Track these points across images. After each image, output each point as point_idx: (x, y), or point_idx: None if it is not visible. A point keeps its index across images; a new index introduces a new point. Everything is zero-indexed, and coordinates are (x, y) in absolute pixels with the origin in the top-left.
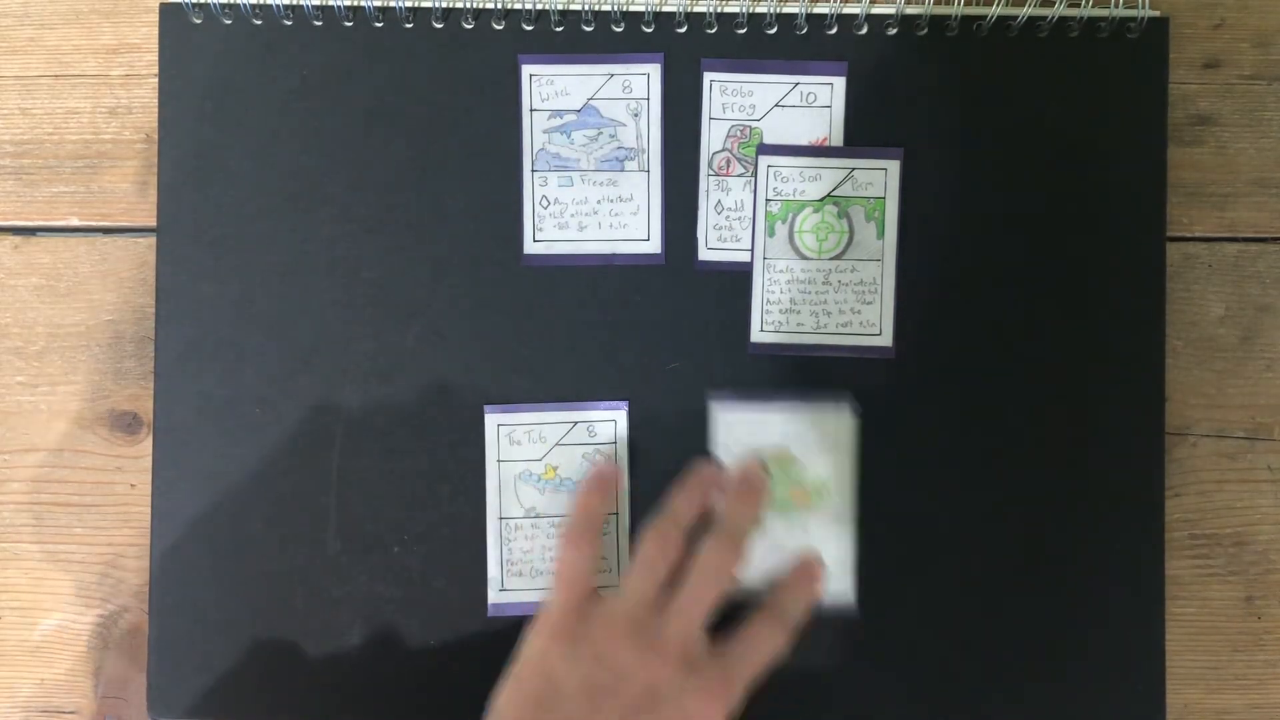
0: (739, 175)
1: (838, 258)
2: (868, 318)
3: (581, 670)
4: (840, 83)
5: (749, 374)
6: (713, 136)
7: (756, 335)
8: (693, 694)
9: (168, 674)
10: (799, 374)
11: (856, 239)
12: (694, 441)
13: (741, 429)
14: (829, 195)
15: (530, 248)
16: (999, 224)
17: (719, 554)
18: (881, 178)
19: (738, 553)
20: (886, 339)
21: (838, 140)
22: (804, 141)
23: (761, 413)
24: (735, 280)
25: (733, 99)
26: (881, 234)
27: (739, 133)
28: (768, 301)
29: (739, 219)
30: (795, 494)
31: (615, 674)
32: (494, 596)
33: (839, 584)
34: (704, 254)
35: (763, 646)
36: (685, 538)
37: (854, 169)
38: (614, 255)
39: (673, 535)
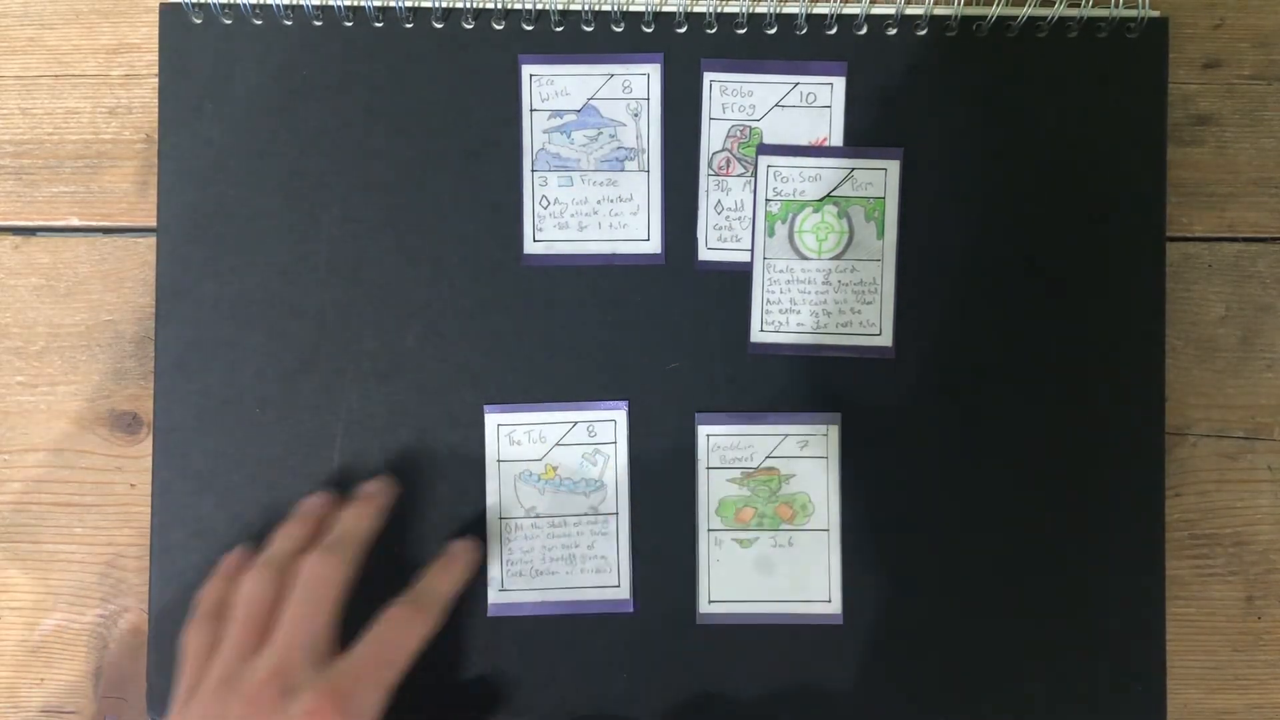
0: (739, 175)
1: (838, 258)
2: (868, 318)
3: None
4: (840, 83)
5: (749, 374)
6: (713, 136)
7: (756, 335)
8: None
9: (168, 674)
10: (798, 374)
11: (856, 239)
12: (693, 442)
13: (727, 444)
14: (829, 195)
15: (530, 248)
16: (998, 224)
17: (318, 566)
18: (881, 178)
19: (339, 563)
20: (886, 339)
21: (837, 140)
22: (804, 141)
23: (747, 428)
24: (735, 280)
25: (733, 99)
26: (881, 234)
27: (739, 133)
28: (768, 301)
29: (739, 219)
30: (780, 509)
31: None
32: (494, 596)
33: (826, 600)
34: (704, 254)
35: (397, 638)
36: (283, 575)
37: (854, 169)
38: (614, 255)
39: (269, 575)
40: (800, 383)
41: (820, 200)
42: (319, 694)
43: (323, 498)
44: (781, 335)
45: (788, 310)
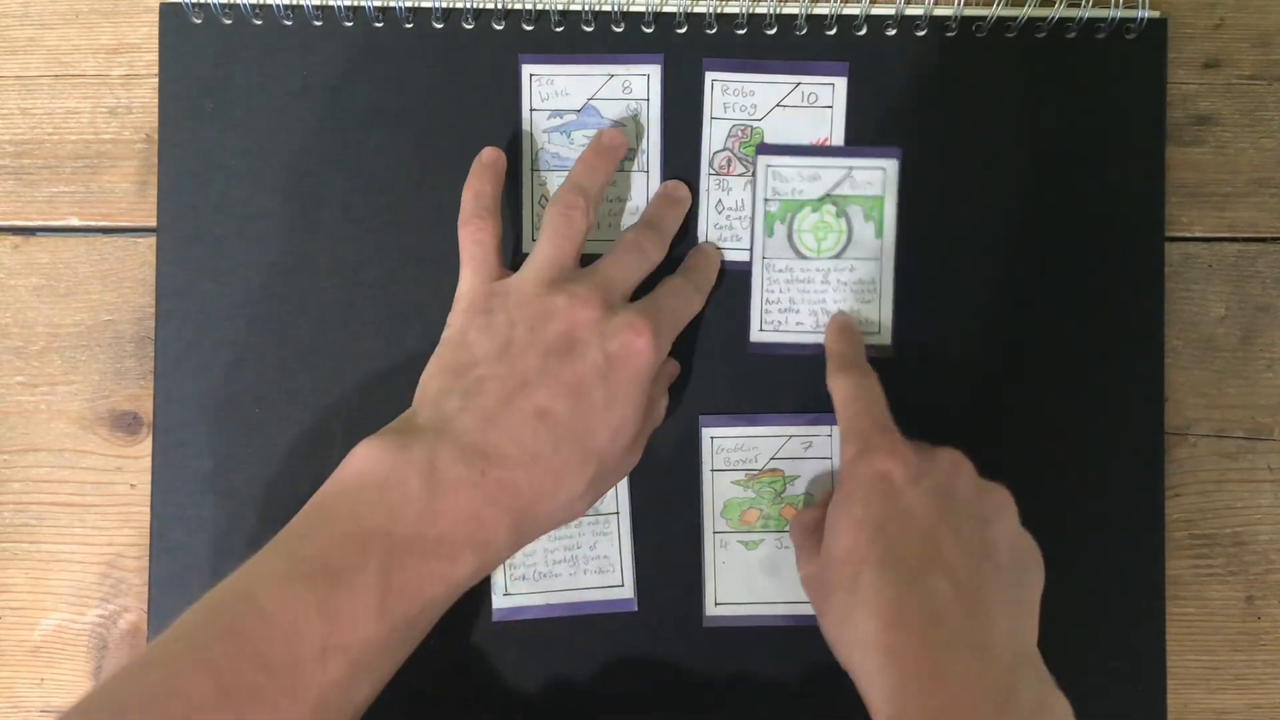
0: (740, 175)
1: (836, 257)
2: (867, 317)
3: (497, 335)
4: (842, 83)
5: (750, 374)
6: (714, 136)
7: (756, 335)
8: (615, 332)
9: None
10: (800, 374)
11: (855, 238)
12: (694, 442)
13: (731, 446)
14: (827, 195)
15: (529, 247)
16: (998, 224)
17: (642, 234)
18: (880, 177)
19: (661, 239)
20: (885, 338)
21: (839, 140)
22: (805, 141)
23: (750, 429)
24: (737, 280)
25: (734, 99)
26: (880, 233)
27: (740, 132)
28: (767, 301)
29: (739, 218)
30: (786, 511)
31: (529, 328)
32: (498, 601)
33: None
34: None
35: (681, 300)
36: (593, 207)
37: (852, 169)
38: None
39: (579, 203)
40: (802, 383)
41: (819, 200)
42: (638, 314)
43: (620, 136)
44: (781, 335)
45: (787, 310)
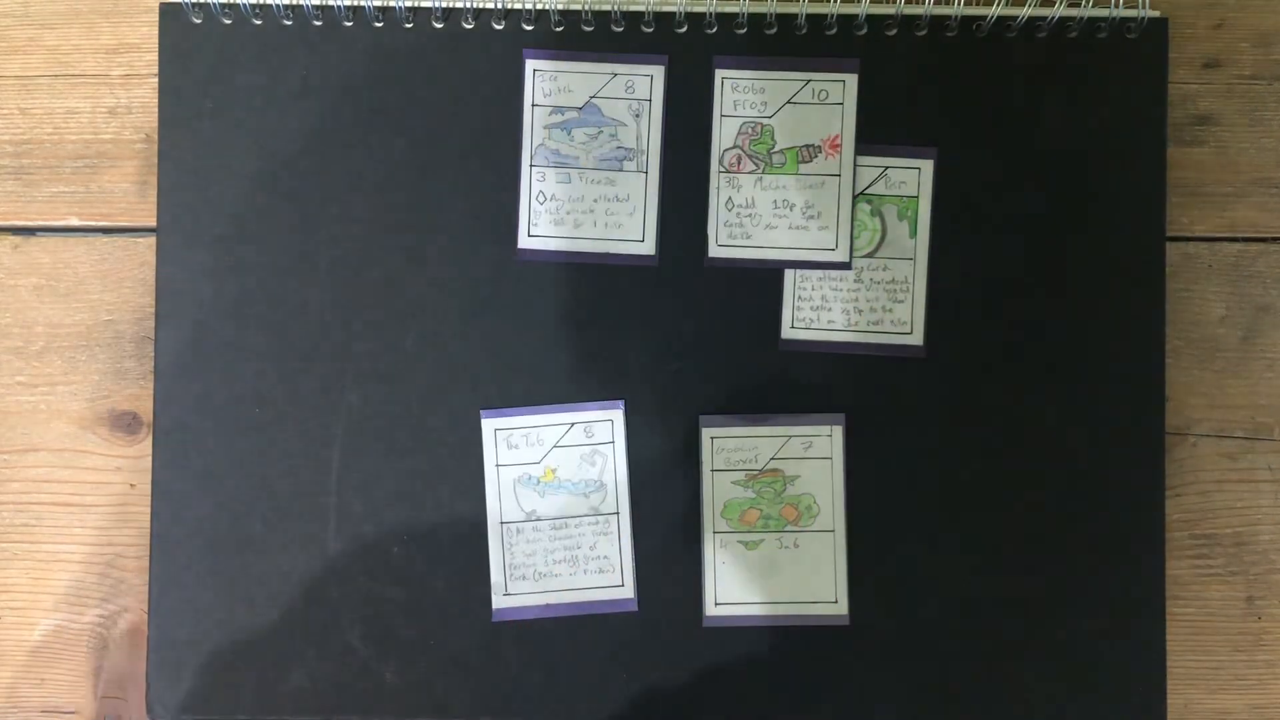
0: (750, 172)
1: (870, 255)
2: (899, 316)
3: None
4: (852, 79)
5: (755, 375)
6: (724, 134)
7: (787, 332)
8: None
9: (168, 674)
10: (799, 375)
11: (889, 237)
12: (694, 442)
13: (731, 446)
14: (862, 193)
15: (525, 242)
16: (998, 224)
17: None
18: (915, 177)
19: None
20: (917, 338)
21: (850, 137)
22: (816, 140)
23: (750, 430)
24: (751, 277)
25: (744, 96)
26: (914, 233)
27: (750, 130)
28: (799, 298)
29: (749, 215)
30: (786, 511)
31: None
32: (498, 602)
33: (833, 601)
34: (714, 250)
35: None
36: None
37: (887, 167)
38: (608, 255)
39: None
40: (800, 384)
41: (853, 198)
42: None
43: None
44: (812, 332)
45: (819, 307)
